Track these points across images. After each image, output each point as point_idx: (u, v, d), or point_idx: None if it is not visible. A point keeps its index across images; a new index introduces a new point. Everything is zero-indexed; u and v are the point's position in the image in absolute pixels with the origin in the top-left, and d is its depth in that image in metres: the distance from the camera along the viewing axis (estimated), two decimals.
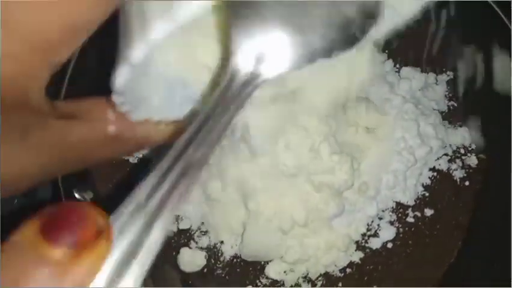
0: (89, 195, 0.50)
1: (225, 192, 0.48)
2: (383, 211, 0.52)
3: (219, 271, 0.50)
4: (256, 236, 0.48)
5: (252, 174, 0.46)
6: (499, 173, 0.53)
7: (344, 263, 0.50)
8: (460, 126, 0.55)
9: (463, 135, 0.55)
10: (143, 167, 0.53)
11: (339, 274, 0.50)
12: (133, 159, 0.54)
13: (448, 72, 0.58)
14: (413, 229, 0.51)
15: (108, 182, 0.52)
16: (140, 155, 0.54)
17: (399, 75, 0.57)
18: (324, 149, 0.46)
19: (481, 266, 0.49)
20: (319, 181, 0.47)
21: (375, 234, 0.51)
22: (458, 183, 0.53)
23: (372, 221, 0.51)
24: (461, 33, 0.57)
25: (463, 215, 0.52)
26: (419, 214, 0.52)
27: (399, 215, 0.52)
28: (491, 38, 0.55)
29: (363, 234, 0.51)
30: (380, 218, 0.52)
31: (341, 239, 0.49)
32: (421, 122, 0.53)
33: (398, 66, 0.58)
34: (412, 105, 0.53)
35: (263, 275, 0.50)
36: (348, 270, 0.50)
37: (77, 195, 0.49)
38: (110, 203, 0.52)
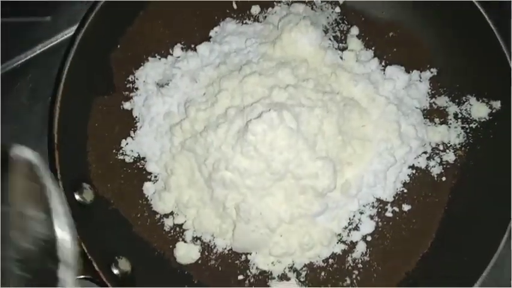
0: (90, 197, 0.53)
1: (217, 192, 0.52)
2: (364, 206, 0.56)
3: (212, 262, 0.55)
4: (245, 233, 0.52)
5: (243, 176, 0.50)
6: (475, 169, 0.56)
7: (326, 254, 0.54)
8: (440, 124, 0.58)
9: (443, 133, 0.57)
10: (138, 166, 0.56)
11: (322, 264, 0.55)
12: (128, 159, 0.57)
13: (432, 69, 0.60)
14: (391, 223, 0.56)
15: (106, 181, 0.55)
16: (136, 154, 0.57)
17: (384, 73, 0.59)
18: (308, 155, 0.49)
19: (452, 257, 0.53)
20: (303, 184, 0.50)
21: (356, 228, 0.55)
22: (436, 179, 0.57)
23: (354, 215, 0.55)
24: (445, 30, 0.58)
25: (438, 209, 0.56)
26: (397, 209, 0.56)
27: (379, 209, 0.56)
28: (473, 35, 0.56)
29: (345, 228, 0.55)
30: (361, 213, 0.55)
31: (324, 234, 0.53)
32: (402, 122, 0.55)
33: (383, 64, 0.59)
34: (394, 107, 0.55)
35: (253, 266, 0.55)
36: (330, 260, 0.55)
37: (77, 197, 0.52)
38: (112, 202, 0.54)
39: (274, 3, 0.61)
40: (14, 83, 0.63)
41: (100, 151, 0.56)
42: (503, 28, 0.54)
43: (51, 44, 0.64)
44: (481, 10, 0.54)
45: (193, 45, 0.60)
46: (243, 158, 0.49)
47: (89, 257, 0.48)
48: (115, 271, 0.51)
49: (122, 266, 0.51)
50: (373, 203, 0.56)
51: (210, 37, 0.61)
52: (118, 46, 0.58)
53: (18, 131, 0.61)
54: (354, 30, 0.61)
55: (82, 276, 0.49)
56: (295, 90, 0.51)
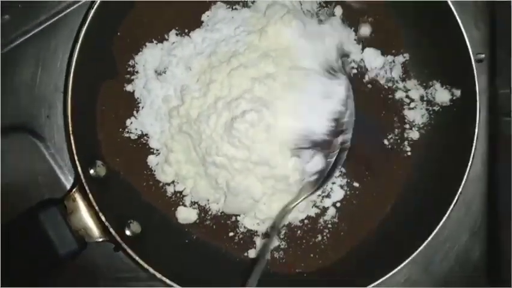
0: (103, 172, 0.63)
1: (210, 170, 0.61)
2: (335, 177, 0.65)
3: (208, 222, 0.66)
4: (234, 203, 0.62)
5: (231, 161, 0.59)
6: (435, 147, 0.65)
7: (302, 217, 0.65)
8: (408, 104, 0.65)
9: (409, 114, 0.65)
10: (142, 141, 0.64)
11: (298, 224, 0.66)
12: (133, 136, 0.65)
13: (405, 55, 0.65)
14: (357, 192, 0.65)
15: (116, 157, 0.64)
16: (139, 132, 0.65)
17: (362, 53, 0.65)
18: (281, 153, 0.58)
19: (406, 219, 0.64)
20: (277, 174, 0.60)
21: (328, 196, 0.65)
22: (400, 155, 0.65)
23: (327, 186, 0.65)
24: (418, 21, 0.63)
25: (399, 180, 0.65)
26: (364, 179, 0.65)
27: (348, 180, 0.65)
28: (442, 31, 0.61)
29: (319, 196, 0.65)
30: (333, 183, 0.65)
31: (301, 203, 0.63)
32: None
33: (361, 47, 0.65)
34: None
35: (241, 225, 0.66)
36: (305, 221, 0.66)
37: (92, 172, 0.62)
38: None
39: None
40: (20, 56, 0.67)
41: (108, 130, 0.64)
42: (470, 25, 0.58)
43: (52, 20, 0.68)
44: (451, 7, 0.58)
45: (186, 30, 0.65)
46: (230, 147, 0.57)
47: (106, 223, 0.59)
48: (128, 232, 0.62)
49: (134, 228, 0.62)
50: (344, 174, 0.65)
51: (202, 21, 0.65)
52: (118, 34, 0.64)
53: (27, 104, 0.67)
54: (338, 11, 0.65)
55: (100, 239, 0.60)
56: (274, 82, 0.58)
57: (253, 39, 0.61)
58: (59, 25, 0.67)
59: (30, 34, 0.67)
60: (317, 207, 0.66)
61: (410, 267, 0.65)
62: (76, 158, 0.59)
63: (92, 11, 0.58)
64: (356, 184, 0.65)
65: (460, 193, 0.60)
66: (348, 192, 0.65)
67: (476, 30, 0.65)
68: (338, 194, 0.65)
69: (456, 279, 0.67)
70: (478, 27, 0.66)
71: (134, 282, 0.66)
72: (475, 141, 0.59)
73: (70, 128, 0.59)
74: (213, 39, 0.63)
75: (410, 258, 0.60)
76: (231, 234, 0.66)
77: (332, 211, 0.65)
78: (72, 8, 0.67)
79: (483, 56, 0.65)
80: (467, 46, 0.59)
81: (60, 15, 0.67)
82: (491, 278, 0.67)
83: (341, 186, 0.65)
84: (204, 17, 0.65)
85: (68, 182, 0.67)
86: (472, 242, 0.67)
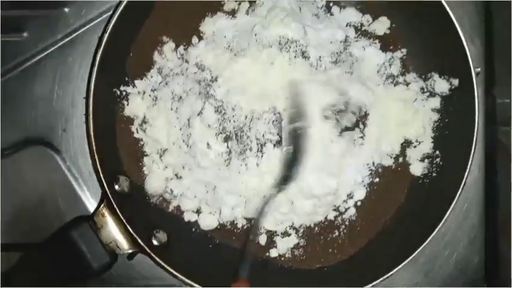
0: (127, 187, 0.66)
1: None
2: (363, 176, 0.68)
3: (229, 227, 0.69)
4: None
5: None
6: (438, 136, 0.68)
7: (321, 218, 0.68)
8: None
9: None
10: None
11: (316, 223, 0.68)
12: (149, 152, 0.68)
13: (402, 50, 0.68)
14: (375, 187, 0.68)
15: (137, 171, 0.68)
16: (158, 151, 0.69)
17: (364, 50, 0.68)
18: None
19: (416, 210, 0.67)
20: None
21: (351, 197, 0.68)
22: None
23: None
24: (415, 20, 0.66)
25: (406, 180, 0.69)
26: (381, 172, 0.68)
27: (370, 179, 0.68)
28: (438, 25, 0.64)
29: (344, 201, 0.68)
30: (360, 182, 0.68)
31: (323, 208, 0.66)
32: None
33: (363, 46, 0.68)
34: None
35: (261, 227, 0.69)
36: (322, 219, 0.69)
37: (117, 187, 0.65)
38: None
39: None
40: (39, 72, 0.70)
41: (127, 148, 0.67)
42: (463, 20, 0.61)
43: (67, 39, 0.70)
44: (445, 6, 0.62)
45: (192, 44, 0.68)
46: None
47: (134, 235, 0.62)
48: (155, 242, 0.65)
49: (160, 237, 0.66)
50: (371, 173, 0.68)
51: (204, 33, 0.68)
52: (131, 54, 0.67)
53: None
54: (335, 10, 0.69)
55: (130, 251, 0.63)
56: None
57: (260, 31, 0.64)
58: (75, 43, 0.70)
59: (48, 51, 0.70)
60: (337, 210, 0.68)
61: (411, 272, 0.68)
62: (101, 176, 0.62)
63: (106, 35, 0.62)
64: (376, 180, 0.68)
65: (466, 179, 0.63)
66: (368, 189, 0.68)
67: (472, 45, 0.67)
68: (360, 193, 0.68)
69: (455, 284, 0.69)
70: (474, 43, 0.68)
71: None
72: (476, 123, 0.62)
73: (94, 148, 0.62)
74: (216, 46, 0.66)
75: (425, 243, 0.63)
76: (252, 236, 0.68)
77: (351, 210, 0.68)
78: (87, 26, 0.70)
79: (479, 69, 0.67)
80: (460, 35, 0.62)
81: (76, 34, 0.70)
82: (490, 283, 0.69)
83: (364, 185, 0.68)
84: (205, 29, 0.68)
85: (83, 192, 0.69)
86: (470, 248, 0.69)
